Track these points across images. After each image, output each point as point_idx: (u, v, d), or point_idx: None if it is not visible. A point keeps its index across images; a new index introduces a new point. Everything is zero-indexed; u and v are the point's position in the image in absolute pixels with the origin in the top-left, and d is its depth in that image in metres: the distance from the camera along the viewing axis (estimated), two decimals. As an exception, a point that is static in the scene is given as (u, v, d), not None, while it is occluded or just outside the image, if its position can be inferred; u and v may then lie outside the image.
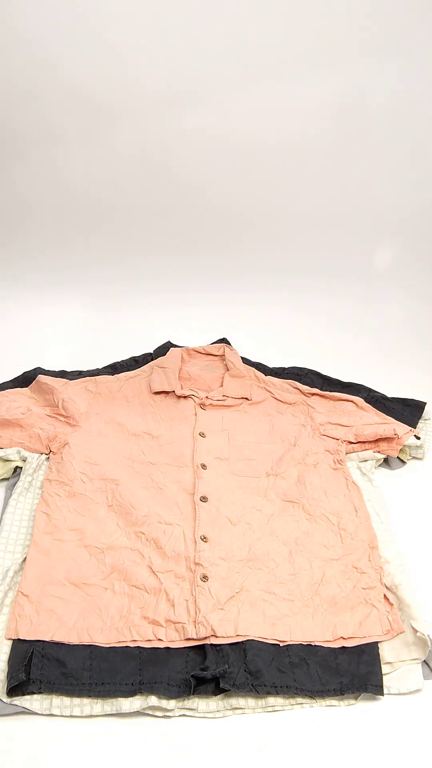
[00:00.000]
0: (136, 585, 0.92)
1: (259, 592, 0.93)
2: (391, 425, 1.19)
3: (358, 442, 1.19)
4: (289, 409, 1.27)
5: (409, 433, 1.18)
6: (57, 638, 0.86)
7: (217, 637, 0.85)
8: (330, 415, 1.25)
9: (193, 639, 0.86)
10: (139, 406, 1.26)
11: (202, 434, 1.18)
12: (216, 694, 0.83)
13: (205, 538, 0.98)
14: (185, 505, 1.04)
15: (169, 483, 1.09)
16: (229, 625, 0.87)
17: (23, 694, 0.81)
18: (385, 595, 0.94)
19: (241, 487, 1.10)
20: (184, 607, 0.89)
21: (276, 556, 0.99)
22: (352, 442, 1.19)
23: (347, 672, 0.85)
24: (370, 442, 1.19)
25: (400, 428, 1.18)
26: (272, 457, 1.16)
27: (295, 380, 1.32)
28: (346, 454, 1.18)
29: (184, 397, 1.27)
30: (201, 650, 0.86)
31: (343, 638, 0.89)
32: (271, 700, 0.83)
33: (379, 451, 1.18)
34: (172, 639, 0.87)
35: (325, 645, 0.88)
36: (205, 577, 0.92)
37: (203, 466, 1.11)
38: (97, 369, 1.35)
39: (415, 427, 1.22)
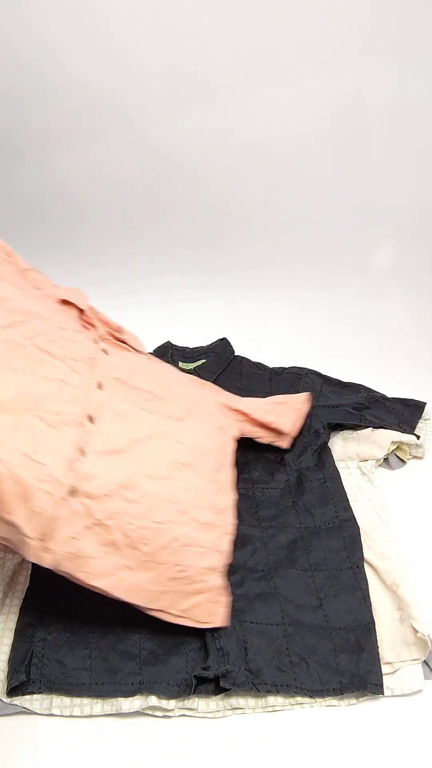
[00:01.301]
0: None
1: None
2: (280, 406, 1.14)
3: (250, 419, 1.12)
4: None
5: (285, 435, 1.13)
6: None
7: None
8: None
9: None
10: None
11: (105, 351, 1.05)
12: (216, 694, 0.83)
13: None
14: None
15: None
16: None
17: (23, 694, 0.81)
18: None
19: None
20: None
21: None
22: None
23: (347, 671, 0.85)
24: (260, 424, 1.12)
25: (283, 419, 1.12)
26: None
27: (295, 380, 1.31)
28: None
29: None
30: (201, 650, 0.86)
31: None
32: (271, 699, 0.83)
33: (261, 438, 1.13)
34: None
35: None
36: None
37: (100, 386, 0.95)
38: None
39: (415, 427, 1.22)
